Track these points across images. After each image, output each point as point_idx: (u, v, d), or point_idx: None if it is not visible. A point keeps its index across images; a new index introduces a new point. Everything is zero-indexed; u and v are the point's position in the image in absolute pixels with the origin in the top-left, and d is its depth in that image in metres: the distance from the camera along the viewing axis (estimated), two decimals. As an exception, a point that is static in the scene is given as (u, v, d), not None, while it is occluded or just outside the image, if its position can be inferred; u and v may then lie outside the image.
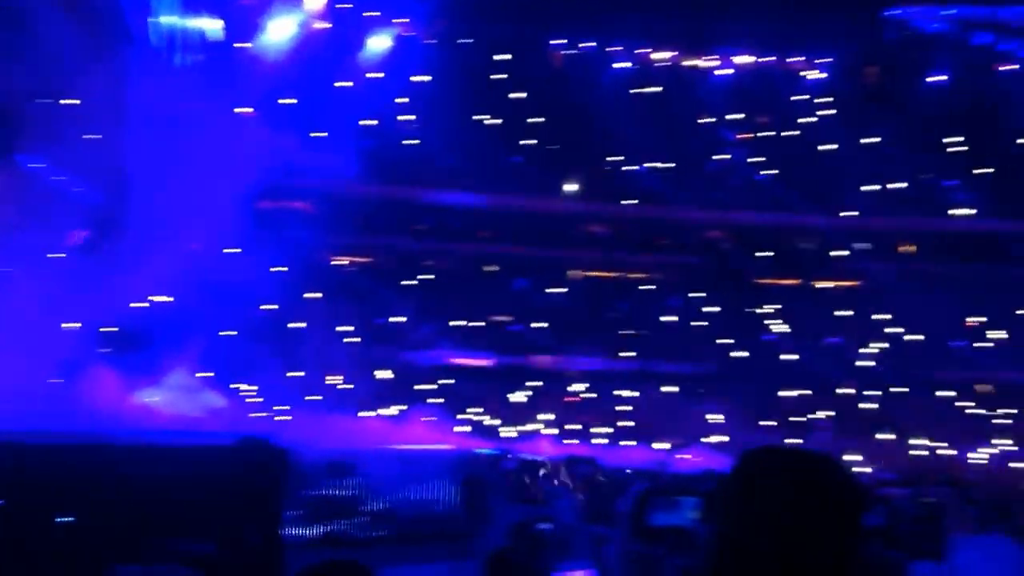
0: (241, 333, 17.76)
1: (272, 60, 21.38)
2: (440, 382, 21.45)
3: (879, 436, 22.78)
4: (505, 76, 24.34)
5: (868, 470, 20.12)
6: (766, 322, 25.08)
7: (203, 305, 15.52)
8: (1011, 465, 21.82)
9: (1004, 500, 10.97)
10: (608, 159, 24.78)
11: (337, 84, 22.21)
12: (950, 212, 25.65)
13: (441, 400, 20.06)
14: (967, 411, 23.98)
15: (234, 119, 19.11)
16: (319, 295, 20.79)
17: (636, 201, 24.96)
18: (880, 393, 23.77)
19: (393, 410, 18.89)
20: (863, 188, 25.08)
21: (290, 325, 20.05)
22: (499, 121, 24.18)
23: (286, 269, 19.26)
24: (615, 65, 25.48)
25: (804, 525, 1.45)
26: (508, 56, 24.49)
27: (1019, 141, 24.31)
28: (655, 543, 4.54)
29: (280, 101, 20.04)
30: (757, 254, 25.60)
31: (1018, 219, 25.12)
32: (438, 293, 23.11)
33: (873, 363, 24.41)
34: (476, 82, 23.64)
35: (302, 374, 18.83)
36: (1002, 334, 24.69)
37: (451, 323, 22.60)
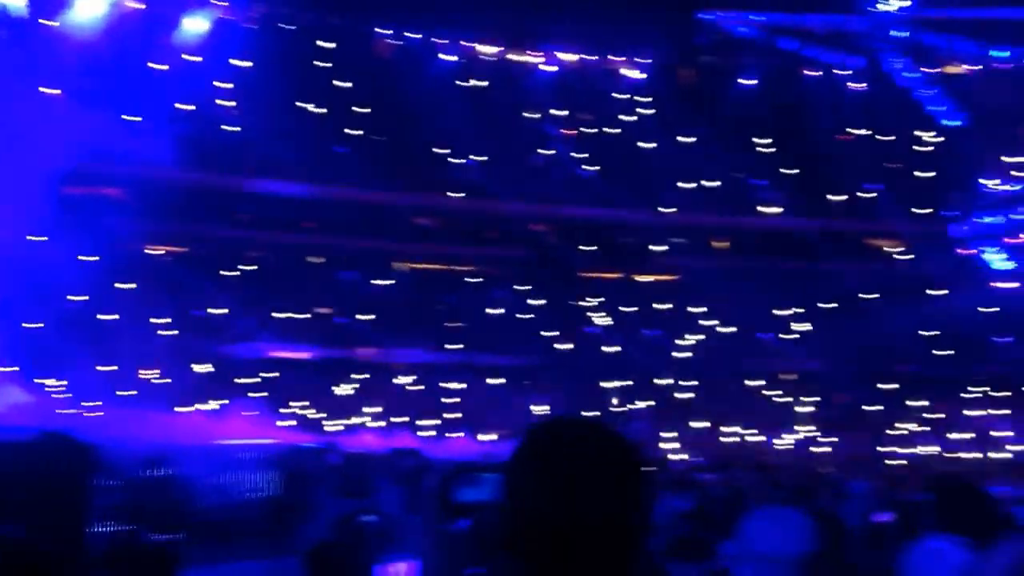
0: (48, 325, 16.85)
1: (81, 39, 20.25)
2: (262, 375, 20.93)
3: (694, 424, 23.76)
4: (330, 64, 23.95)
5: (683, 456, 20.98)
6: (589, 315, 25.68)
7: (6, 296, 14.67)
8: (813, 450, 23.24)
9: (806, 483, 11.65)
10: (434, 151, 24.77)
11: (151, 66, 21.26)
12: (760, 210, 26.91)
13: (264, 394, 19.60)
14: (774, 399, 25.34)
15: (39, 100, 18.07)
16: (132, 285, 19.89)
17: (462, 194, 25.07)
18: (696, 383, 24.80)
19: (213, 405, 18.34)
20: (680, 185, 26.00)
21: (101, 317, 19.13)
22: (324, 110, 23.77)
23: (97, 258, 18.36)
24: (441, 57, 25.52)
25: (586, 491, 1.49)
26: (333, 44, 24.10)
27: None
28: (461, 519, 4.58)
29: (90, 82, 19.02)
30: (581, 248, 26.14)
31: (821, 217, 26.64)
32: (260, 284, 22.52)
33: (689, 354, 25.41)
34: (299, 69, 23.14)
35: (114, 368, 18.01)
36: (806, 326, 26.17)
37: (274, 315, 22.08)
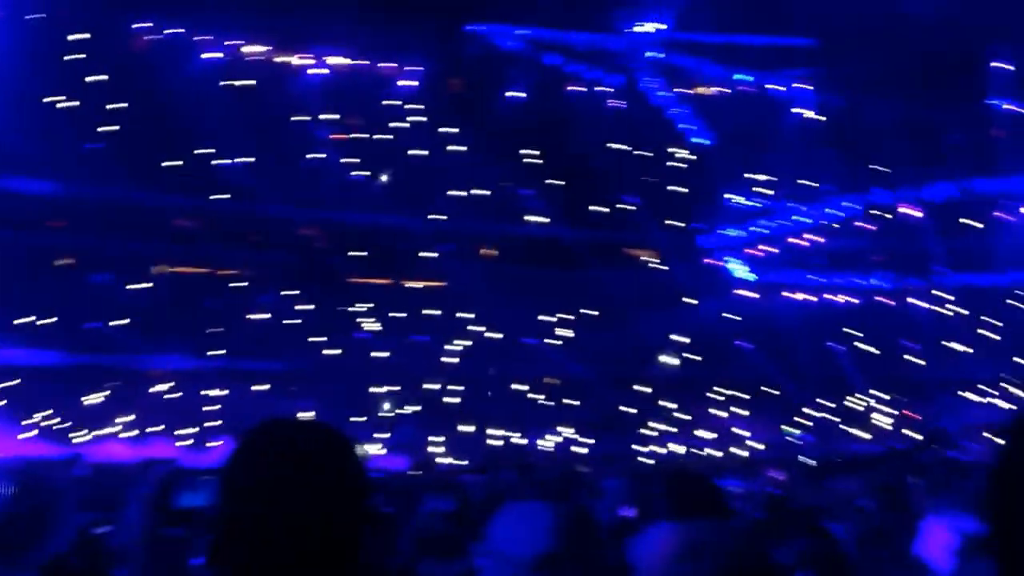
0: None
1: None
2: (2, 384, 19.40)
3: (461, 428, 24.06)
4: (83, 57, 22.50)
5: (450, 459, 21.20)
6: (358, 320, 25.47)
7: None
8: (573, 450, 24.09)
9: (564, 482, 12.01)
10: (197, 151, 23.79)
11: None
12: (526, 219, 27.59)
13: (3, 403, 18.17)
14: (538, 403, 26.06)
15: None
16: None
17: (227, 196, 24.24)
18: (463, 387, 25.12)
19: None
20: (450, 193, 26.27)
21: None
22: (75, 104, 22.31)
23: None
24: (205, 55, 24.57)
25: (295, 493, 1.45)
26: (86, 36, 22.66)
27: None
28: (179, 525, 4.41)
29: None
30: (350, 253, 25.90)
31: (584, 227, 27.61)
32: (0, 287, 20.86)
33: (457, 359, 25.71)
34: (48, 61, 21.62)
35: None
36: (570, 332, 27.08)
37: (16, 320, 20.49)
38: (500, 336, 25.54)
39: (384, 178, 26.47)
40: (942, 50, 24.65)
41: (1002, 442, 0.99)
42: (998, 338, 24.79)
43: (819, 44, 25.98)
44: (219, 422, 21.27)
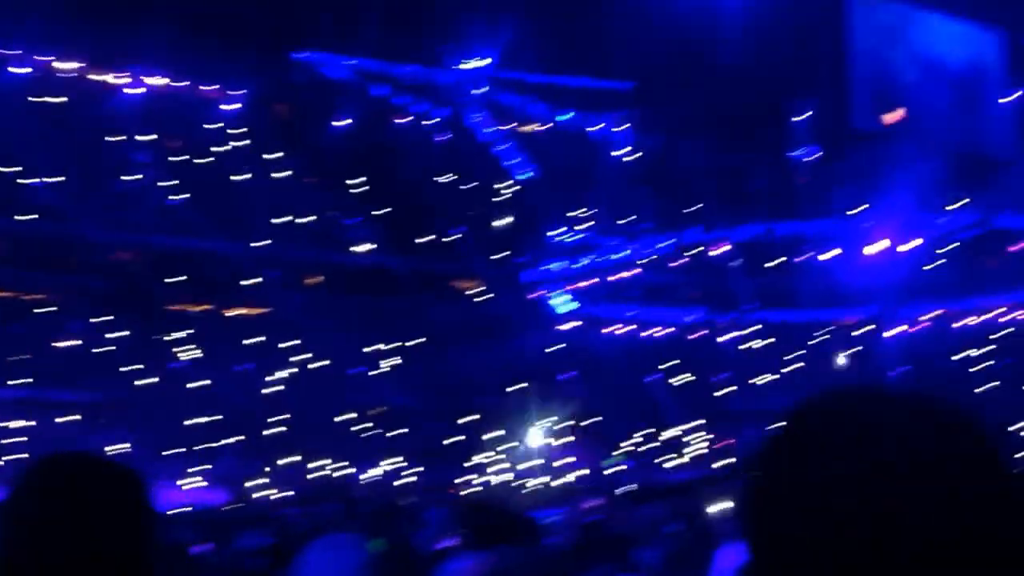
0: None
1: None
2: None
3: (284, 459, 23.42)
4: None
5: (272, 492, 20.62)
6: (175, 349, 24.49)
7: None
8: (398, 482, 23.86)
9: (387, 513, 11.92)
10: (1, 169, 22.41)
11: None
12: (352, 248, 27.32)
13: None
14: (364, 433, 25.69)
15: None
16: None
17: (34, 216, 22.91)
18: (287, 417, 24.48)
19: None
20: (273, 220, 25.71)
21: None
22: None
23: None
24: (12, 70, 23.20)
25: (72, 529, 1.40)
26: None
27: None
28: None
29: None
30: (167, 279, 24.93)
31: (410, 257, 27.58)
32: None
33: (281, 388, 25.07)
34: None
35: None
36: (395, 362, 26.89)
37: None
38: (325, 365, 25.11)
39: (203, 202, 25.64)
40: (751, 100, 26.17)
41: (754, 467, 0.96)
42: (801, 365, 26.29)
43: (637, 87, 27.10)
44: (23, 455, 19.95)
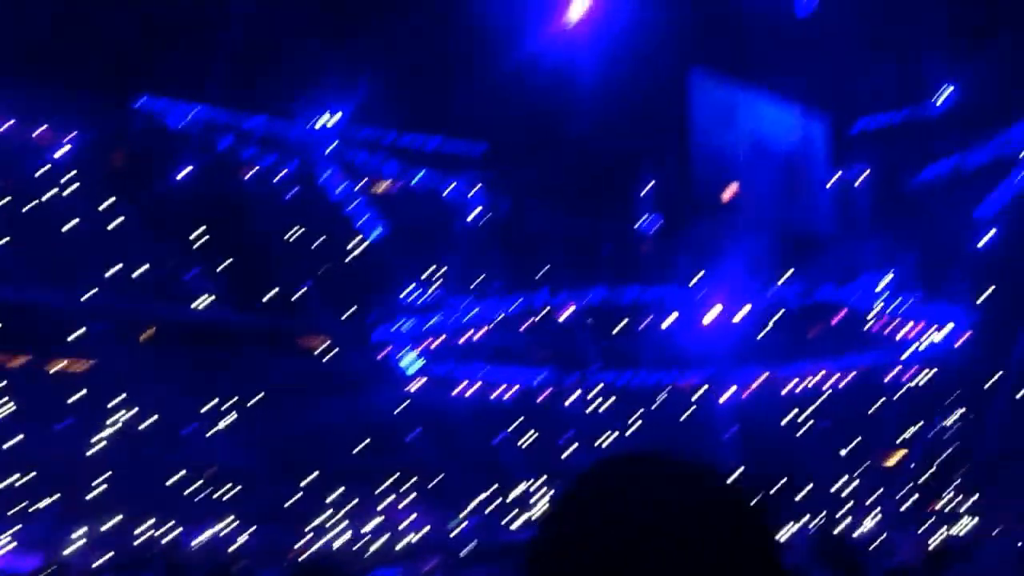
0: None
1: None
2: None
3: (106, 521, 21.87)
4: None
5: (91, 557, 19.08)
6: (-10, 404, 22.66)
7: None
8: (231, 544, 22.58)
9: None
10: None
11: None
12: (190, 301, 26.08)
13: None
14: (195, 493, 24.31)
15: None
16: None
17: None
18: (111, 477, 22.92)
19: None
20: (105, 269, 24.30)
21: None
22: None
23: None
24: None
25: None
26: None
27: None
28: None
29: None
30: (-15, 330, 23.10)
31: (253, 312, 26.57)
32: None
33: (105, 446, 23.50)
34: None
35: None
36: (233, 419, 25.61)
37: None
38: (156, 421, 23.70)
39: (28, 250, 23.97)
40: (598, 168, 26.73)
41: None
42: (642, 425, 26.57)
43: (489, 150, 27.23)
44: None
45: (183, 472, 23.90)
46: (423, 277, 27.11)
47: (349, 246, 27.71)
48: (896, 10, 25.36)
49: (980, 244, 26.22)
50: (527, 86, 26.37)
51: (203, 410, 24.87)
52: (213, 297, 25.89)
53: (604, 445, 26.26)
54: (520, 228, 26.87)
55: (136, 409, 23.56)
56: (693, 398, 26.52)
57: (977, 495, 26.01)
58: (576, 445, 26.66)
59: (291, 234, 27.19)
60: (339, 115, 26.48)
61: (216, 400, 25.42)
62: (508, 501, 26.14)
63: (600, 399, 26.94)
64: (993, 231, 25.77)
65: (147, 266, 24.86)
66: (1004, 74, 25.95)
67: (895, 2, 25.32)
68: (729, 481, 1.05)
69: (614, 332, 26.17)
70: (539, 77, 26.41)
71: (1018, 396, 25.68)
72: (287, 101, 26.32)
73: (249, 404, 25.81)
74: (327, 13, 25.36)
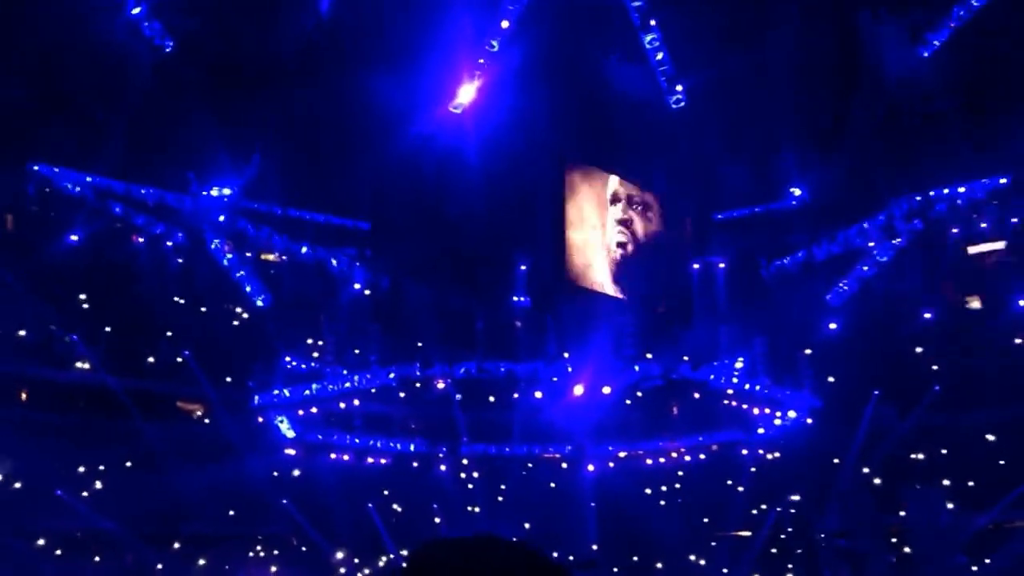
0: None
1: None
2: None
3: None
4: None
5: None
6: None
7: None
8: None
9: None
10: None
11: None
12: (70, 364, 25.41)
13: None
14: (58, 559, 23.43)
15: None
16: None
17: None
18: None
19: None
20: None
21: None
22: None
23: None
24: None
25: None
26: None
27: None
28: None
29: None
30: None
31: (133, 377, 25.88)
32: None
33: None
34: None
35: None
36: (104, 483, 24.69)
37: None
38: (19, 487, 22.85)
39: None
40: (476, 248, 26.96)
41: None
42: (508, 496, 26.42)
43: (372, 227, 27.30)
44: None
45: (42, 541, 23.03)
46: (303, 347, 26.83)
47: (236, 313, 27.37)
48: (756, 113, 26.35)
49: (827, 331, 26.97)
50: (412, 168, 26.64)
51: (73, 474, 24.04)
52: (88, 364, 25.17)
53: (471, 514, 26.06)
54: (398, 303, 26.82)
55: (0, 476, 22.66)
56: (557, 470, 26.52)
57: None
58: (442, 516, 26.41)
59: (177, 301, 26.76)
60: (229, 190, 26.30)
61: (86, 465, 24.62)
62: (376, 570, 25.69)
63: (468, 470, 26.79)
64: (834, 325, 26.57)
65: (24, 332, 24.15)
66: (852, 174, 27.08)
67: (755, 106, 26.30)
68: (551, 564, 1.13)
69: (485, 405, 26.14)
70: (423, 160, 26.72)
71: (859, 477, 26.30)
72: (179, 172, 26.07)
73: (122, 468, 25.04)
74: (221, 91, 25.40)
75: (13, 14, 22.95)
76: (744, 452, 26.15)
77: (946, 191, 26.59)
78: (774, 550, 26.78)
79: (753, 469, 26.16)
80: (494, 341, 25.54)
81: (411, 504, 26.52)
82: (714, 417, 25.72)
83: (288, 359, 26.15)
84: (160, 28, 25.00)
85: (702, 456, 26.06)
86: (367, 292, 27.22)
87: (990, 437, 25.71)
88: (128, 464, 25.02)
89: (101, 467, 24.87)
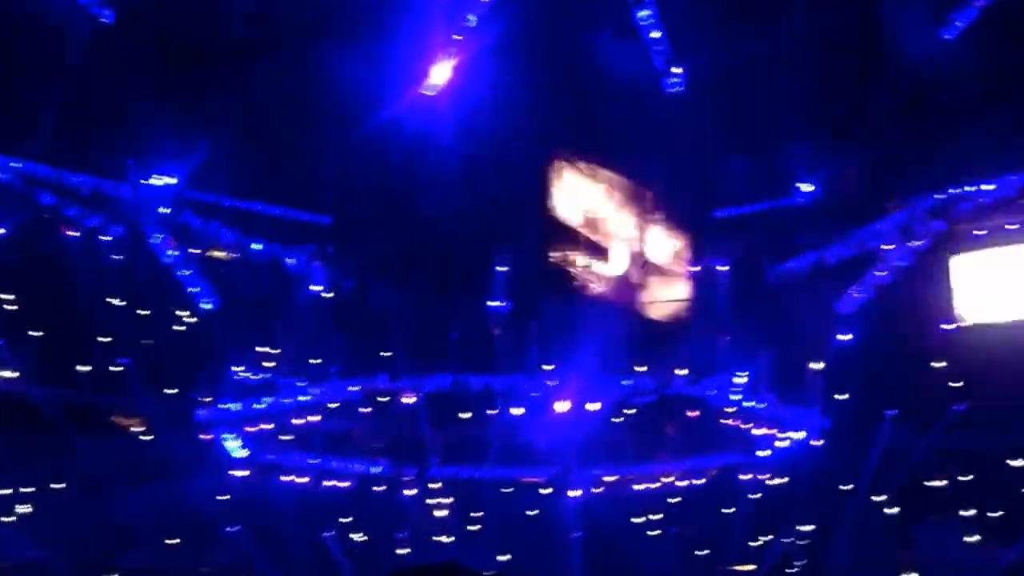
0: None
1: None
2: None
3: None
4: None
5: None
6: None
7: None
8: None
9: None
10: None
11: None
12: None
13: None
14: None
15: None
16: None
17: None
18: None
19: None
20: None
21: None
22: None
23: None
24: None
25: None
26: None
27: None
28: None
29: None
30: None
31: (61, 386, 23.40)
32: None
33: None
34: None
35: None
36: (28, 508, 22.43)
37: None
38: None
39: None
40: (451, 250, 24.82)
41: None
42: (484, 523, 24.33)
43: (335, 223, 24.91)
44: None
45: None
46: (256, 355, 24.35)
47: (178, 317, 24.72)
48: (762, 99, 24.27)
49: (838, 343, 24.77)
50: (379, 157, 24.38)
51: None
52: (12, 373, 22.59)
53: (441, 544, 23.75)
54: (363, 307, 24.57)
55: None
56: (538, 496, 24.35)
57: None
58: (409, 546, 24.10)
59: (114, 302, 24.10)
60: (175, 179, 23.71)
61: (9, 487, 22.35)
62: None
63: (440, 494, 24.48)
64: (846, 336, 24.36)
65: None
66: (864, 170, 25.15)
67: (761, 91, 24.19)
68: None
69: (458, 422, 23.94)
70: (392, 148, 24.43)
71: (872, 505, 24.18)
72: (118, 160, 23.55)
73: (50, 491, 22.76)
74: (166, 69, 22.97)
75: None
76: (745, 477, 24.25)
77: (971, 188, 24.36)
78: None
79: (755, 496, 24.22)
80: (469, 350, 23.48)
81: (374, 532, 24.55)
82: (713, 437, 23.97)
83: (238, 369, 23.91)
84: (97, -5, 22.44)
85: (699, 481, 24.22)
86: (328, 294, 24.87)
87: (1018, 463, 23.53)
88: (58, 486, 22.88)
89: (27, 489, 22.66)
